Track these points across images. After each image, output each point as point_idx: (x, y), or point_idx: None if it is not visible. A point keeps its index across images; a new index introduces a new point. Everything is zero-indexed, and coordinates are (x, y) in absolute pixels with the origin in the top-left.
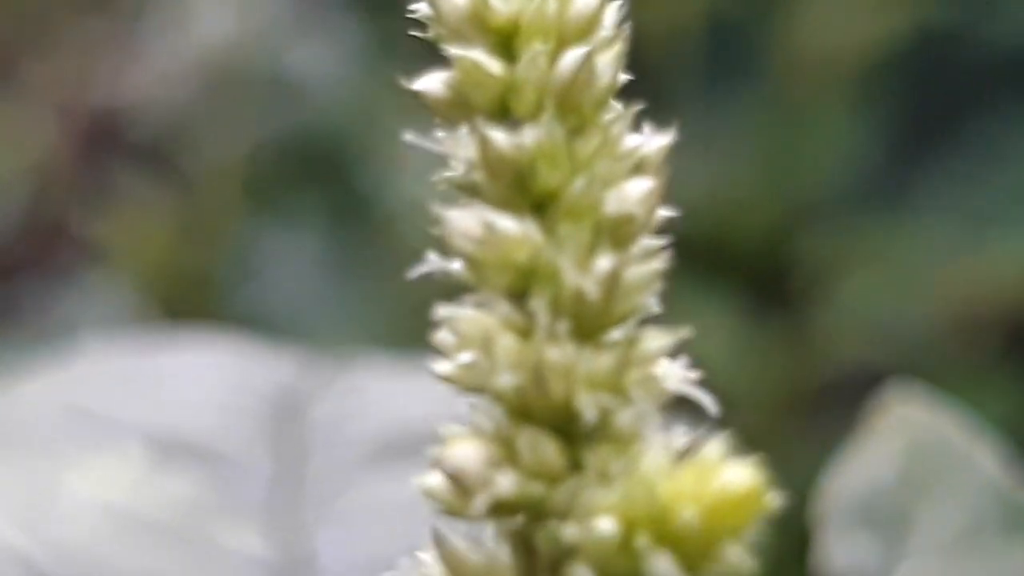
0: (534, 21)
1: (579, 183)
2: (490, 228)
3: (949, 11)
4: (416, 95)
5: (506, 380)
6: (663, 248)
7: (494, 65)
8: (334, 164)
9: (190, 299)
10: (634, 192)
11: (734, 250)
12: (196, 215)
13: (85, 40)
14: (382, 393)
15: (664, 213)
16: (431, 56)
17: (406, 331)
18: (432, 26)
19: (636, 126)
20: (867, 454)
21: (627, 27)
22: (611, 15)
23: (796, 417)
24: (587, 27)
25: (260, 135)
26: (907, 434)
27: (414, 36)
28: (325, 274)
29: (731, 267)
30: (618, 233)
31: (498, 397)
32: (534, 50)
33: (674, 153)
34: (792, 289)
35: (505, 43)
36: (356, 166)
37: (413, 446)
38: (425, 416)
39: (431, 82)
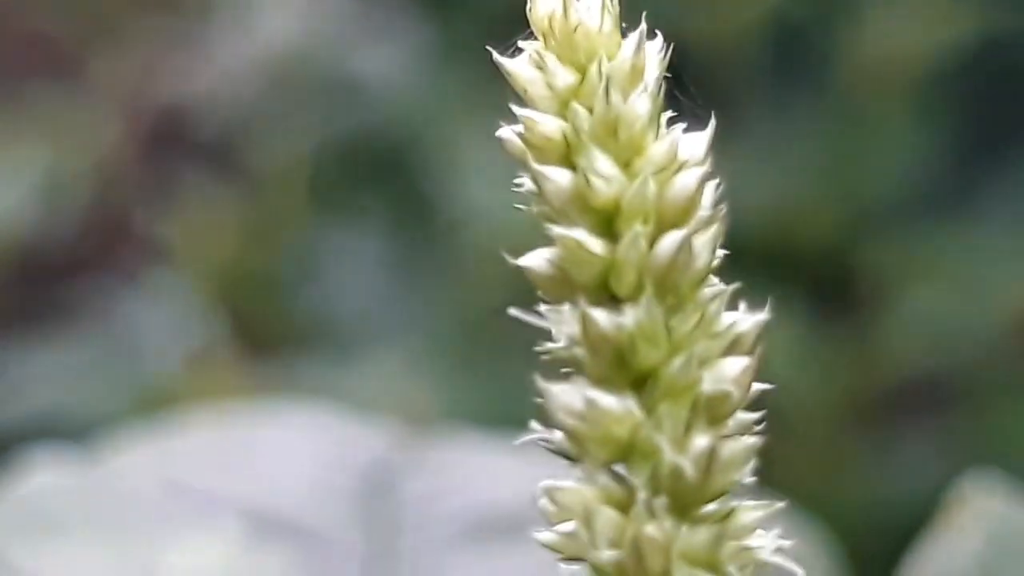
0: (634, 202)
1: (677, 362)
2: (591, 404)
3: (1014, 19)
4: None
5: (606, 554)
6: (759, 422)
7: (596, 245)
8: (397, 166)
9: (253, 299)
10: (730, 371)
11: (798, 257)
12: (260, 215)
13: (150, 38)
14: (472, 471)
15: (758, 387)
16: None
17: (467, 333)
18: (537, 204)
19: (732, 303)
20: (947, 546)
21: (724, 207)
22: (708, 196)
23: (859, 423)
24: (685, 209)
25: (324, 135)
26: (986, 527)
27: (478, 38)
28: (387, 275)
29: (795, 274)
30: (714, 410)
31: (598, 569)
32: (634, 231)
33: (738, 159)
34: (856, 297)
35: (607, 223)
36: (419, 168)
37: (503, 525)
38: (514, 495)
39: (536, 259)
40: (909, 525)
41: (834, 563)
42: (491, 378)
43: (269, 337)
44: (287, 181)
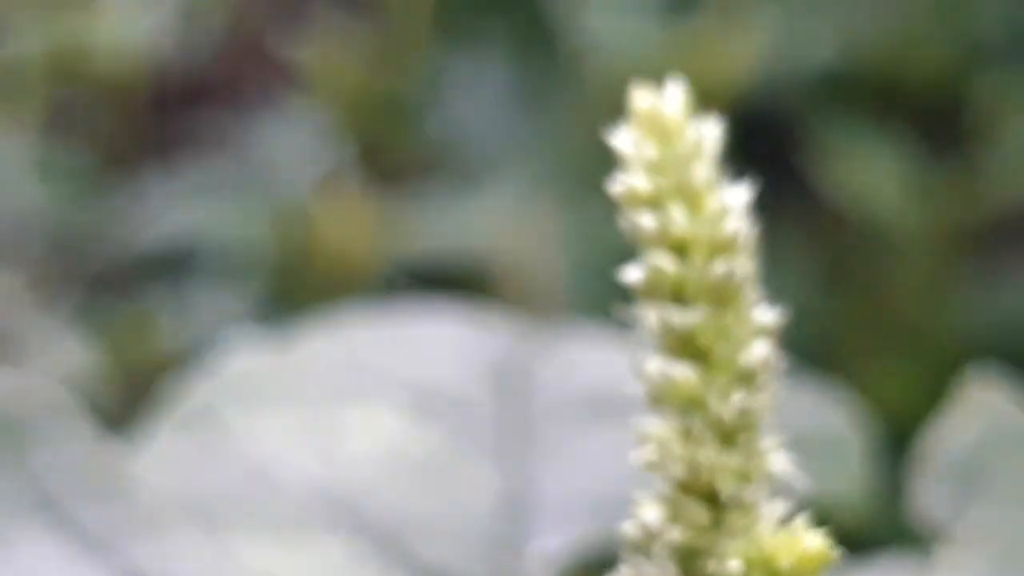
0: (697, 237)
1: (723, 345)
2: (665, 371)
3: None
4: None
5: (676, 469)
6: (777, 384)
7: (671, 266)
8: None
9: (380, 126)
10: (758, 352)
11: (905, 89)
12: (386, 43)
13: None
14: (589, 359)
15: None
16: None
17: (587, 160)
18: (634, 237)
19: (761, 302)
20: (953, 426)
21: (758, 237)
22: (747, 233)
23: (964, 254)
24: (731, 243)
25: None
26: (983, 418)
27: None
28: (512, 103)
29: (902, 106)
30: (747, 377)
31: (671, 478)
32: (696, 257)
33: None
34: (963, 129)
35: (679, 251)
36: None
37: (615, 405)
38: (624, 381)
39: (633, 274)
40: (1012, 350)
41: (869, 440)
42: (609, 207)
43: (395, 163)
44: (413, 8)
